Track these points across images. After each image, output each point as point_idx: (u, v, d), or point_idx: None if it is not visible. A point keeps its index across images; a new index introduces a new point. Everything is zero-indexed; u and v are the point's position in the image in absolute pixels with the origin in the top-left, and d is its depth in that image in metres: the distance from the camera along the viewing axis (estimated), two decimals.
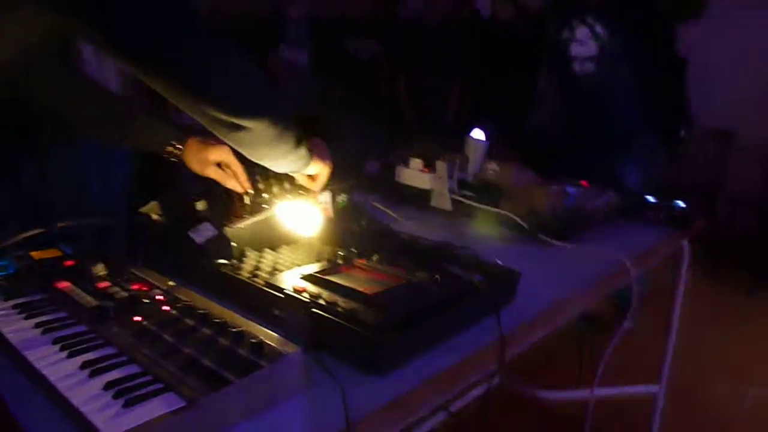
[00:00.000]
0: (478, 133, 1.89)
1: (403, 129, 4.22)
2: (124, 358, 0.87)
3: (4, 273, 1.16)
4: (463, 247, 1.29)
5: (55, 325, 0.97)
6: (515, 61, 4.01)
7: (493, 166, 1.83)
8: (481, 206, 1.69)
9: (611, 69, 2.41)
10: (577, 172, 1.99)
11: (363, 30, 4.10)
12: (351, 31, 4.07)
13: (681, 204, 1.94)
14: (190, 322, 0.95)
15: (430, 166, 1.83)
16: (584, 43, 2.41)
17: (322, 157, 1.30)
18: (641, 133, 2.46)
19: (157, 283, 1.10)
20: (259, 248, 1.28)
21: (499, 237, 1.63)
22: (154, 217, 1.33)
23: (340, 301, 0.97)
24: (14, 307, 1.04)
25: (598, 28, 2.38)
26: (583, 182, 1.87)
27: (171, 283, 1.10)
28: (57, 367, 0.85)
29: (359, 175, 2.00)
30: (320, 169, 1.32)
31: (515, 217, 1.62)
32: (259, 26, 4.00)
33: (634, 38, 2.37)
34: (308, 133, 1.28)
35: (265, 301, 1.04)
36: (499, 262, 1.24)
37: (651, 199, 1.96)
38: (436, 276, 1.09)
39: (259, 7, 4.25)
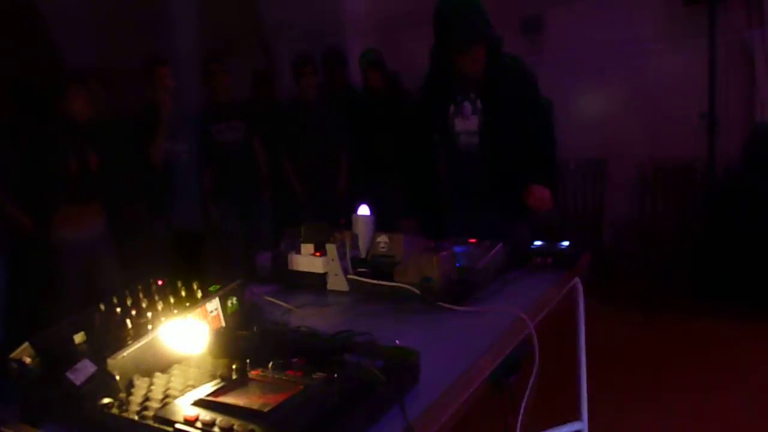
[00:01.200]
0: (363, 209, 1.91)
1: (294, 208, 4.21)
2: None
3: None
4: (362, 333, 1.28)
5: None
6: (388, 128, 4.16)
7: (383, 239, 1.84)
8: (376, 282, 1.69)
9: (491, 138, 2.57)
10: (466, 229, 2.06)
11: (232, 114, 4.08)
12: (219, 117, 4.05)
13: (565, 243, 2.03)
14: None
15: (321, 250, 1.82)
16: (468, 117, 2.57)
17: None
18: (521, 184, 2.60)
19: None
20: (148, 374, 1.20)
21: (397, 310, 1.63)
22: (27, 360, 1.22)
23: (236, 425, 0.92)
24: None
25: (478, 103, 2.56)
26: (471, 240, 1.92)
27: None
28: None
29: (251, 269, 1.96)
30: None
31: (410, 288, 1.63)
32: (137, 122, 3.91)
33: (508, 107, 2.55)
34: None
35: None
36: (398, 342, 1.23)
37: (537, 243, 2.05)
38: (335, 374, 1.07)
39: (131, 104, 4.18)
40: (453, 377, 1.24)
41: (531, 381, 1.67)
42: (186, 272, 1.54)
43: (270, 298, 1.66)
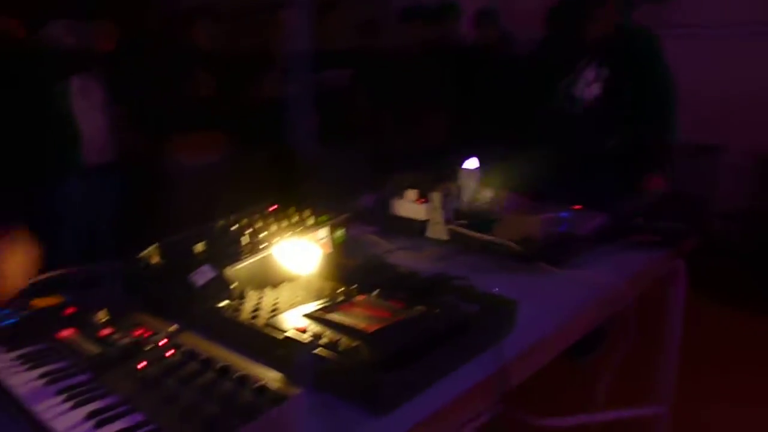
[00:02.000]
0: (471, 162, 1.92)
1: (387, 159, 4.26)
2: (127, 407, 0.88)
3: (6, 323, 1.17)
4: (460, 278, 1.31)
5: (59, 375, 0.98)
6: (499, 87, 4.09)
7: (487, 194, 1.85)
8: (476, 235, 1.70)
9: (613, 105, 2.50)
10: (570, 195, 2.02)
11: (340, 61, 4.15)
12: (326, 63, 4.13)
13: (671, 223, 1.96)
14: (193, 366, 0.96)
15: (424, 197, 1.86)
16: (590, 84, 2.51)
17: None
18: (633, 157, 2.52)
19: (159, 328, 1.11)
20: (259, 287, 1.29)
21: (494, 265, 1.64)
22: (154, 260, 1.34)
23: (342, 340, 0.98)
24: (18, 358, 1.05)
25: (602, 69, 2.48)
26: (576, 206, 1.89)
27: (173, 327, 1.10)
28: (64, 418, 0.86)
29: (352, 208, 2.02)
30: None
31: (510, 245, 1.64)
32: (247, 60, 4.06)
33: (628, 71, 2.46)
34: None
35: (266, 343, 1.05)
36: (497, 291, 1.25)
37: (641, 220, 1.99)
38: (436, 310, 1.11)
39: (243, 42, 4.33)
40: (546, 333, 1.26)
41: (618, 353, 1.66)
42: (296, 199, 1.62)
43: (374, 237, 1.72)
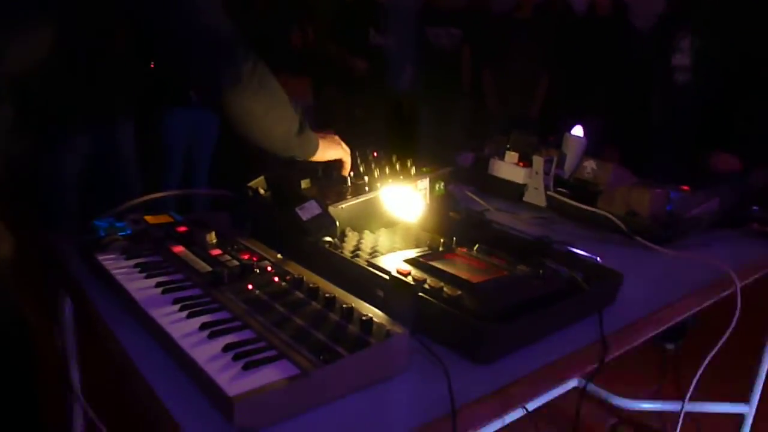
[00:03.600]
0: (577, 130, 1.85)
1: (485, 120, 4.20)
2: (239, 323, 0.91)
3: (123, 233, 1.24)
4: (562, 243, 1.28)
5: (174, 286, 1.03)
6: (610, 57, 3.91)
7: (591, 165, 1.79)
8: (578, 205, 1.65)
9: (707, 78, 2.36)
10: (680, 175, 1.93)
11: (448, 20, 4.09)
12: (435, 20, 4.08)
13: None
14: (299, 294, 0.98)
15: (525, 161, 1.81)
16: (684, 52, 2.37)
17: (337, 143, 1.38)
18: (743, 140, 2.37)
19: (265, 255, 1.14)
20: (358, 229, 1.30)
21: (594, 237, 1.59)
22: (261, 191, 1.37)
23: (446, 288, 0.98)
24: (135, 266, 1.11)
25: (697, 40, 2.34)
26: (685, 187, 1.80)
27: (279, 256, 1.14)
28: (178, 326, 0.90)
29: (451, 164, 2.00)
30: (342, 155, 1.39)
31: (613, 218, 1.58)
32: (351, 9, 4.07)
33: (729, 46, 2.31)
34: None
35: (368, 281, 1.06)
36: (599, 260, 1.22)
37: (757, 208, 1.87)
38: (540, 271, 1.09)
39: None
40: (646, 311, 1.21)
41: (719, 343, 1.58)
42: (399, 147, 1.61)
43: (471, 195, 1.70)
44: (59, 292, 1.28)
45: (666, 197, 1.61)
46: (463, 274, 1.03)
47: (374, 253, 1.17)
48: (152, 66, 3.03)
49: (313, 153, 1.32)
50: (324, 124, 3.85)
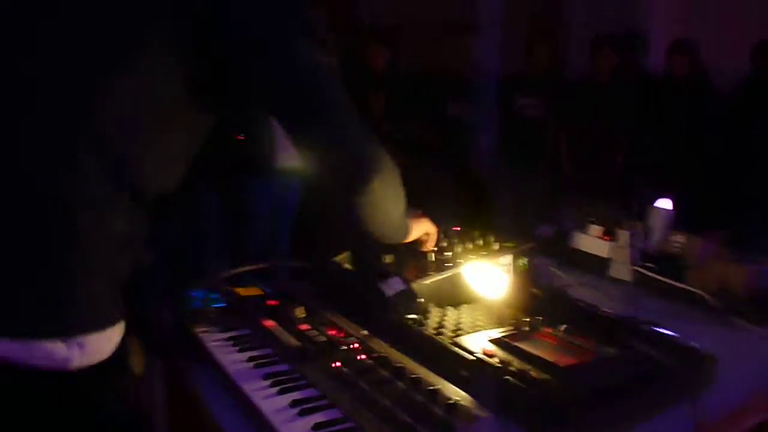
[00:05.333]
0: (664, 202, 1.81)
1: (563, 188, 4.17)
2: (326, 402, 0.94)
3: (217, 305, 1.31)
4: (651, 323, 1.24)
5: (265, 360, 1.07)
6: (691, 120, 3.84)
7: (679, 239, 1.74)
8: (667, 280, 1.61)
9: None
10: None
11: (536, 90, 4.14)
12: (525, 90, 4.14)
13: None
14: (385, 373, 1.00)
15: (610, 234, 1.78)
16: None
17: (424, 222, 1.36)
18: None
19: (351, 331, 1.17)
20: (441, 305, 1.31)
21: (684, 315, 1.53)
22: (346, 266, 1.42)
23: (532, 371, 0.97)
24: (229, 339, 1.16)
25: None
26: None
27: (364, 332, 1.16)
28: (270, 401, 0.94)
29: (530, 237, 1.99)
30: (429, 229, 1.38)
31: (706, 295, 1.52)
32: (431, 80, 4.21)
33: None
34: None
35: (453, 361, 1.06)
36: (694, 343, 1.17)
37: None
38: (630, 353, 1.06)
39: (430, 62, 4.48)
40: (747, 397, 1.15)
41: None
42: (480, 223, 1.63)
43: (553, 269, 1.69)
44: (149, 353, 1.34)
45: (762, 273, 1.54)
46: (550, 357, 1.02)
47: (458, 330, 1.18)
48: (240, 137, 3.22)
49: (407, 235, 1.30)
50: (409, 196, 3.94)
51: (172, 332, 1.27)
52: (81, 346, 0.85)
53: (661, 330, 1.20)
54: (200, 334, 1.19)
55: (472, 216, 1.67)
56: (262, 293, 1.40)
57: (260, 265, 1.53)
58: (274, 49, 0.93)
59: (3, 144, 0.86)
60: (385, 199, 1.08)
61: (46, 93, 0.87)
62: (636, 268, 1.71)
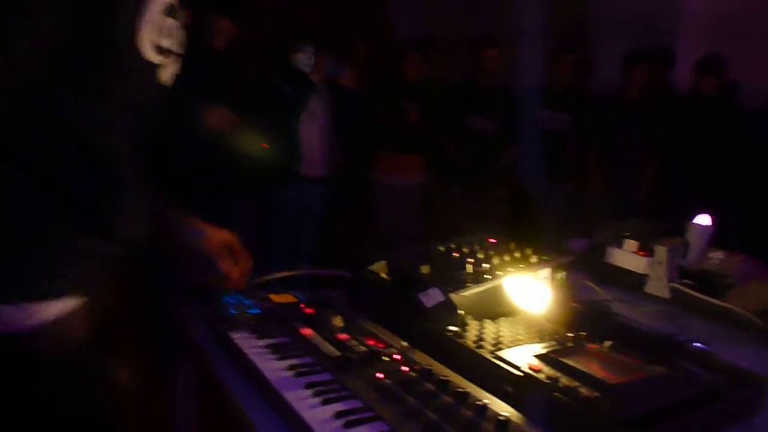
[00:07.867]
0: (703, 218, 1.78)
1: (588, 204, 4.13)
2: (372, 414, 0.92)
3: (252, 311, 1.29)
4: (695, 342, 1.21)
5: (305, 369, 1.05)
6: (720, 139, 3.79)
7: (717, 255, 1.70)
8: (707, 299, 1.57)
9: None
10: None
11: (560, 105, 4.12)
12: (548, 104, 4.12)
13: None
14: (430, 386, 0.98)
15: (646, 250, 1.75)
16: None
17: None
18: None
19: (390, 342, 1.15)
20: (479, 317, 1.29)
21: (725, 335, 1.50)
22: (383, 275, 1.40)
23: (581, 388, 0.95)
24: (267, 346, 1.14)
25: None
26: None
27: (404, 343, 1.14)
28: (313, 412, 0.92)
29: (563, 251, 1.96)
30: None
31: (747, 314, 1.49)
32: (453, 94, 4.20)
33: None
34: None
35: (494, 375, 1.04)
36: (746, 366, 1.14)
37: None
38: (680, 373, 1.03)
39: (452, 76, 4.48)
40: None
41: None
42: (518, 235, 1.61)
43: (589, 283, 1.66)
44: (177, 360, 1.33)
45: None
46: (599, 374, 0.99)
47: (498, 344, 1.15)
48: (265, 146, 3.23)
49: None
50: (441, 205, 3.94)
51: (205, 337, 1.25)
52: None
53: (710, 350, 1.17)
54: (237, 341, 1.17)
55: (518, 229, 1.65)
56: (296, 300, 1.38)
57: (295, 272, 1.52)
58: None
59: None
60: None
61: None
62: (674, 285, 1.67)
